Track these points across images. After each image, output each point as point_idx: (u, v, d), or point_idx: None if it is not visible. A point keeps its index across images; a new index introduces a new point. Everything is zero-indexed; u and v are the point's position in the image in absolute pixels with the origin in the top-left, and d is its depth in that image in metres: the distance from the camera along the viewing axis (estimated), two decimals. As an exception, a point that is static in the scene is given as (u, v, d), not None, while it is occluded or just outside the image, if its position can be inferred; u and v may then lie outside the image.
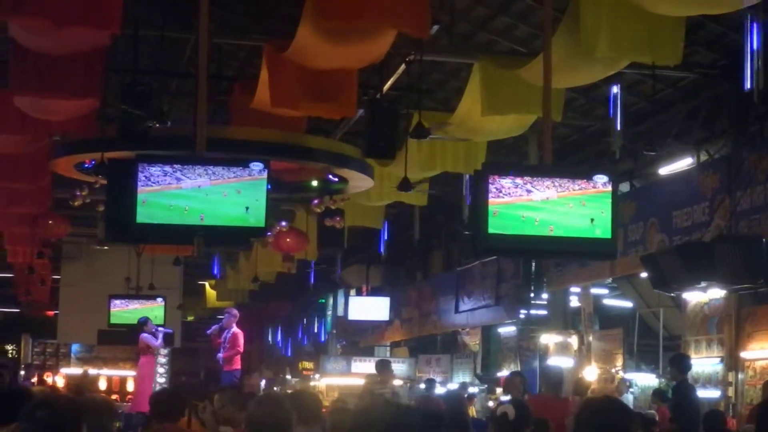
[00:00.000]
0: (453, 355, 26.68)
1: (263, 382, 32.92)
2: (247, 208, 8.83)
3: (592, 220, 8.36)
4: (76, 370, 34.33)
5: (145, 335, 21.48)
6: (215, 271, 29.78)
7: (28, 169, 16.10)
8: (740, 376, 15.44)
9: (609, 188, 8.43)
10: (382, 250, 25.82)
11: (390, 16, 9.70)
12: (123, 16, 10.41)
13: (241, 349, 20.78)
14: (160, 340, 22.01)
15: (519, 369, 22.21)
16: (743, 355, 15.38)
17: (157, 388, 22.20)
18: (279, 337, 43.27)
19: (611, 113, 15.59)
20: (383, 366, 17.92)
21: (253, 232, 9.32)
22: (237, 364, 20.62)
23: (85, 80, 11.91)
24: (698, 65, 15.28)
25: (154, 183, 8.68)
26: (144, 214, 8.69)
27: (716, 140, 16.02)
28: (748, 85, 13.20)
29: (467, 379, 24.84)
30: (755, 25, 12.96)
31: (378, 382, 17.04)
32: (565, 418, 12.39)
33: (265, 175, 8.94)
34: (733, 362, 15.50)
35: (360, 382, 25.19)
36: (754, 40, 13.01)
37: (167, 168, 8.68)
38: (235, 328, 20.81)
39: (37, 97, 12.16)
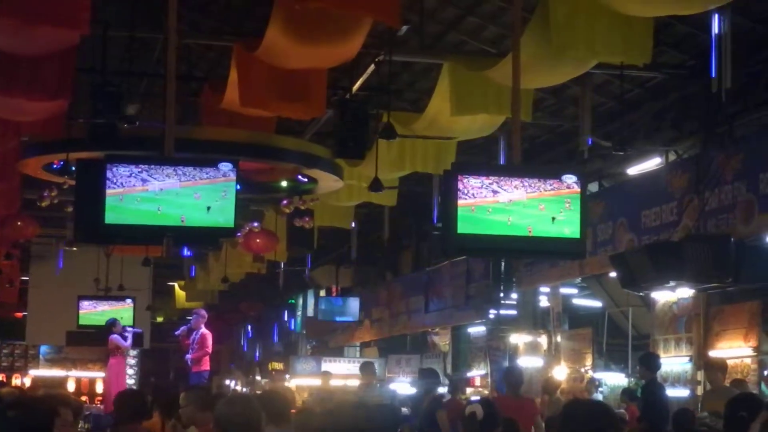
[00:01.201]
0: (423, 355, 26.69)
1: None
2: (208, 208, 8.80)
3: (553, 218, 8.40)
4: (45, 372, 34.16)
5: (114, 336, 21.42)
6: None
7: (-3, 169, 16.03)
8: (709, 374, 15.51)
9: (577, 188, 8.47)
10: (351, 250, 25.82)
11: (360, 3, 9.69)
12: (92, 17, 10.37)
13: (210, 350, 20.74)
14: (129, 341, 21.96)
15: (488, 369, 22.30)
16: (712, 354, 15.46)
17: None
18: (249, 338, 43.18)
19: (579, 113, 15.68)
20: (367, 368, 17.95)
21: (222, 232, 9.31)
22: (206, 365, 20.58)
23: (55, 81, 11.85)
24: (666, 65, 15.34)
25: (122, 184, 8.65)
26: (112, 215, 8.66)
27: (685, 140, 16.09)
28: (716, 85, 13.27)
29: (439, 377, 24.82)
30: (723, 25, 13.03)
31: (364, 385, 17.05)
32: (534, 418, 12.46)
33: (234, 175, 8.93)
34: (701, 361, 15.57)
35: (330, 382, 25.23)
36: (722, 40, 13.08)
37: (136, 168, 8.66)
38: (203, 329, 20.77)
39: (6, 97, 12.08)
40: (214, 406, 7.62)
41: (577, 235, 8.46)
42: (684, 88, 15.69)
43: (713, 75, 13.26)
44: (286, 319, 38.80)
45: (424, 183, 20.10)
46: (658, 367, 13.72)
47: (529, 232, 8.38)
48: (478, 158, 18.90)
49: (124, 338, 21.78)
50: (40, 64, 11.50)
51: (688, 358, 15.99)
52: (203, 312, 21.49)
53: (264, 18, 10.75)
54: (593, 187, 17.89)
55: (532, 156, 18.67)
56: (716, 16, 13.04)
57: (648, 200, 15.76)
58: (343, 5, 9.81)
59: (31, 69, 11.53)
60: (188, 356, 20.74)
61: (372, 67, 13.71)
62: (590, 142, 15.73)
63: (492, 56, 13.65)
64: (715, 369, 12.84)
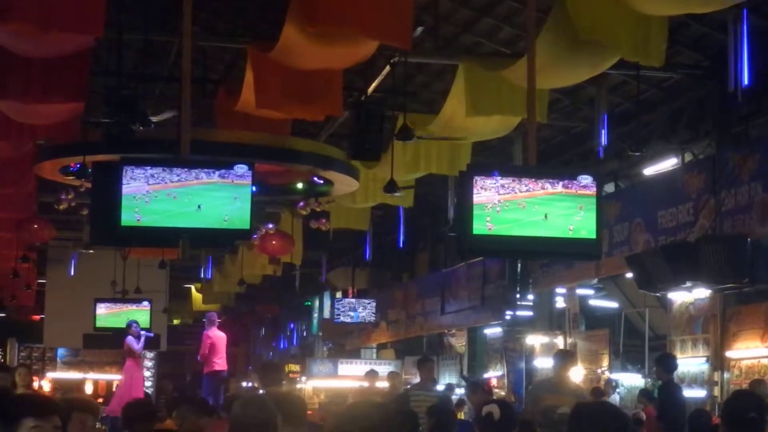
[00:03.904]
0: (439, 356, 26.69)
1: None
2: (201, 205, 8.81)
3: (568, 219, 8.37)
4: (62, 375, 34.27)
5: (129, 338, 21.46)
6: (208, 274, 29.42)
7: (13, 173, 16.08)
8: (726, 375, 15.48)
9: (593, 189, 8.45)
10: (367, 252, 25.84)
11: (372, 28, 9.72)
12: (107, 20, 10.40)
13: (205, 351, 20.84)
14: (141, 344, 21.99)
15: (505, 370, 22.30)
16: (729, 354, 15.43)
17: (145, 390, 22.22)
18: (265, 340, 43.25)
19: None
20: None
21: (238, 234, 9.32)
22: (213, 366, 20.56)
23: (70, 85, 11.88)
24: (682, 66, 15.32)
25: (138, 186, 8.66)
26: (128, 217, 8.68)
27: (700, 140, 16.07)
28: (732, 85, 13.24)
29: (453, 380, 24.85)
30: (739, 25, 13.00)
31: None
32: None
33: (249, 177, 8.94)
34: (718, 362, 15.55)
35: (346, 384, 25.24)
36: (738, 40, 13.05)
37: (152, 171, 8.67)
38: (206, 330, 20.92)
39: (22, 102, 12.12)
40: (210, 412, 7.67)
41: (593, 235, 8.44)
42: (700, 89, 15.67)
43: (729, 75, 13.23)
44: (302, 321, 38.84)
45: (440, 184, 20.10)
46: (674, 367, 13.69)
47: (545, 233, 8.37)
48: (493, 160, 18.88)
49: (139, 340, 21.82)
50: (55, 67, 11.53)
51: (705, 359, 15.96)
52: (209, 315, 21.63)
53: (278, 21, 10.75)
54: (609, 187, 17.86)
55: (547, 157, 18.65)
56: (733, 16, 13.01)
57: (664, 201, 15.74)
58: (353, 30, 9.84)
59: (46, 73, 11.56)
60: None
61: (387, 68, 13.71)
62: (601, 154, 15.69)
63: (507, 57, 13.63)
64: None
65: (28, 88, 11.77)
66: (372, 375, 20.12)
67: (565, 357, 11.79)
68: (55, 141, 14.61)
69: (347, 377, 28.20)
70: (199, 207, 8.78)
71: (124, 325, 22.24)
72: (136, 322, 21.95)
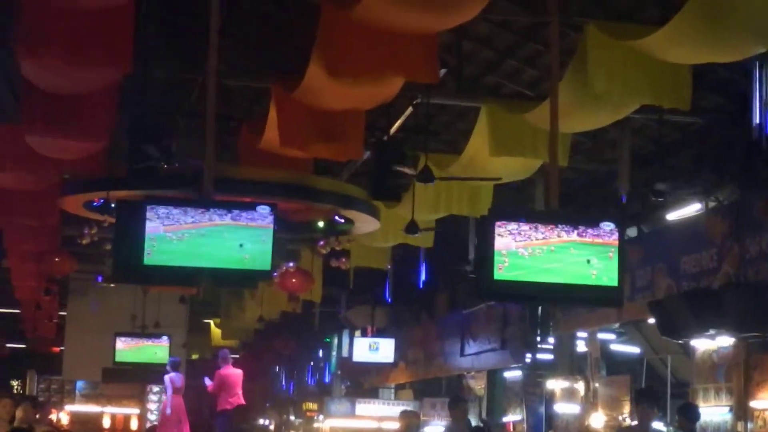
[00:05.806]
0: (458, 398, 26.53)
1: None
2: (241, 245, 8.81)
3: (590, 265, 8.34)
4: (80, 408, 34.24)
5: (182, 376, 21.76)
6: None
7: (37, 206, 16.14)
8: (749, 425, 15.29)
9: (616, 235, 8.42)
10: (387, 291, 25.79)
11: (398, 67, 9.74)
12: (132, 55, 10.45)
13: (208, 388, 21.04)
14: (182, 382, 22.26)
15: (524, 415, 22.14)
16: (752, 404, 15.25)
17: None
18: (283, 377, 43.14)
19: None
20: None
21: (258, 275, 9.29)
22: (227, 405, 20.49)
23: (96, 121, 11.95)
24: (705, 110, 15.27)
25: (161, 224, 8.67)
26: (152, 256, 8.68)
27: (724, 186, 15.99)
28: (755, 131, 13.20)
29: (473, 423, 24.68)
30: (763, 70, 12.98)
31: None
32: None
33: (272, 218, 8.94)
34: (742, 412, 15.37)
35: (364, 424, 25.17)
36: (761, 86, 13.03)
37: (175, 210, 8.68)
38: (220, 369, 21.00)
39: (48, 137, 12.17)
40: None
41: (614, 282, 8.41)
42: (723, 133, 15.61)
43: (753, 120, 13.19)
44: (320, 359, 38.74)
45: (460, 224, 20.05)
46: (697, 418, 13.54)
47: (566, 279, 8.33)
48: (514, 202, 18.83)
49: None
50: (81, 104, 11.59)
51: (728, 408, 15.78)
52: (222, 353, 21.77)
53: (304, 56, 10.74)
54: (632, 231, 17.77)
55: (568, 199, 18.57)
56: (757, 62, 12.99)
57: (687, 246, 15.63)
58: (380, 74, 9.85)
59: (72, 109, 11.62)
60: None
61: (409, 109, 13.73)
62: (624, 199, 15.62)
63: (530, 99, 13.63)
64: None
65: (54, 124, 11.83)
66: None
67: (654, 398, 11.41)
68: (79, 175, 14.66)
69: (365, 417, 28.09)
70: (220, 246, 8.78)
71: (144, 360, 22.37)
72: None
